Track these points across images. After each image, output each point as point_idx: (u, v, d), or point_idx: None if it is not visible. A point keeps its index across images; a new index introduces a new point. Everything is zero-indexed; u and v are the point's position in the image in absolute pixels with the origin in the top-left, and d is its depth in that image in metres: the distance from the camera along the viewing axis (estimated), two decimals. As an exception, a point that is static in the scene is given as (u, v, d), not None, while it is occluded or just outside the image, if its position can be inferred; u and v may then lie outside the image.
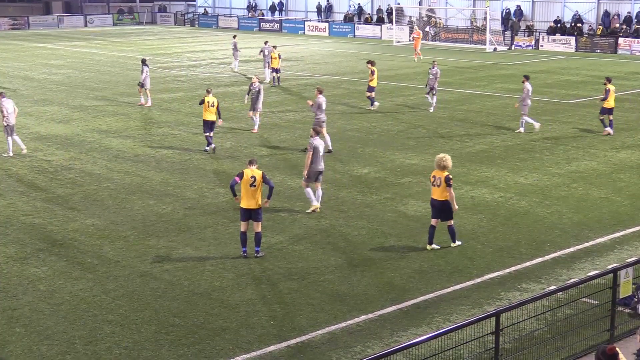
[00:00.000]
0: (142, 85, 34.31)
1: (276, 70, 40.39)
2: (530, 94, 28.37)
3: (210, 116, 25.58)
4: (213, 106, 25.50)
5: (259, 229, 16.29)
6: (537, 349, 12.12)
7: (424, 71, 41.04)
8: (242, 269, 15.72)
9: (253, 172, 16.15)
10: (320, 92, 25.33)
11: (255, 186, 16.06)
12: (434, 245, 16.79)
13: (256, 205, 16.14)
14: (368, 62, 33.43)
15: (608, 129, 28.23)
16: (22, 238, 17.63)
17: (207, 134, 25.65)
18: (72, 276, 15.40)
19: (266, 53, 41.75)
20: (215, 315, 13.68)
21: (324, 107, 25.13)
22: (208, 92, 26.05)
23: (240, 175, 16.16)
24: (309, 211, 19.29)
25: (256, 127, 28.64)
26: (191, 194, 21.05)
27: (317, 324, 13.33)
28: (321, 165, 19.33)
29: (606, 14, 59.18)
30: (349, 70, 46.72)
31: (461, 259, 16.33)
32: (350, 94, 37.86)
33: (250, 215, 16.15)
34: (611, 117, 28.29)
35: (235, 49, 45.98)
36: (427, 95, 33.43)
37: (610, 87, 27.92)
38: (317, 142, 19.29)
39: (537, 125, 28.76)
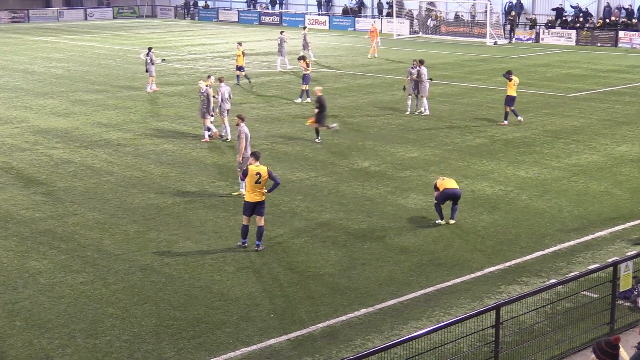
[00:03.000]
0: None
1: (240, 69, 38.19)
2: (426, 78, 30.56)
3: None
4: None
5: (262, 223, 16.26)
6: (537, 342, 12.14)
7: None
8: (242, 263, 15.73)
9: (258, 168, 16.10)
10: (222, 81, 26.54)
11: (260, 182, 16.02)
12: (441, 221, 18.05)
13: (261, 198, 16.13)
14: (300, 59, 34.20)
15: (506, 122, 29.09)
16: (23, 231, 17.64)
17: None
18: (72, 270, 15.41)
19: (279, 42, 43.52)
20: (215, 309, 13.69)
21: (226, 95, 26.21)
22: (208, 77, 27.35)
23: (245, 173, 16.11)
24: (235, 194, 19.98)
25: (207, 136, 26.25)
26: (191, 187, 21.06)
27: (317, 317, 13.35)
28: (250, 152, 19.89)
29: (608, 7, 59.04)
30: (350, 64, 46.68)
31: (461, 252, 16.35)
32: (351, 87, 37.84)
33: (254, 209, 16.12)
34: (513, 108, 28.90)
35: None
36: (410, 97, 31.21)
37: (514, 78, 28.86)
38: (247, 129, 19.93)
39: (427, 112, 30.60)
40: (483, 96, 35.18)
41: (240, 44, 39.57)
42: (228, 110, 26.31)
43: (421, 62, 30.98)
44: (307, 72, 33.54)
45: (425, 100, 30.84)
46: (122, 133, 27.72)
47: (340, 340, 12.58)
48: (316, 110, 25.79)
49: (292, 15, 75.44)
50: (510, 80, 28.62)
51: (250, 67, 44.92)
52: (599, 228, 17.79)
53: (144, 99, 34.49)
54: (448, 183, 18.00)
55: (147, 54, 35.96)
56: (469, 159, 23.94)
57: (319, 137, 26.08)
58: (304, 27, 48.31)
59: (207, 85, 26.02)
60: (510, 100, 28.77)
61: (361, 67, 45.16)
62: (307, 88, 33.38)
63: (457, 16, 65.19)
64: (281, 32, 45.40)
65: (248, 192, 16.14)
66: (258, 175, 15.99)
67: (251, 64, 46.23)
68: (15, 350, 12.34)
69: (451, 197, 17.95)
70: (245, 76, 38.42)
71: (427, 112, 30.63)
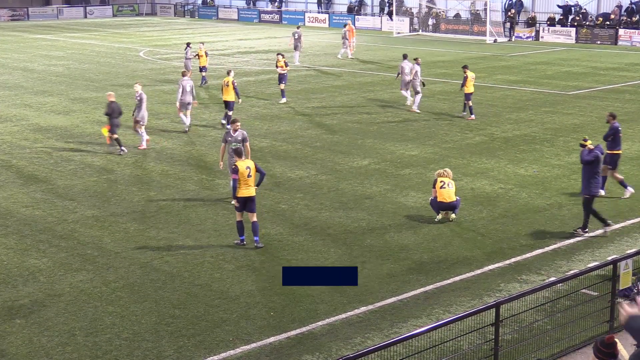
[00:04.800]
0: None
1: (203, 69, 37.15)
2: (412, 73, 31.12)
3: (226, 96, 27.41)
4: (227, 86, 27.29)
5: (255, 219, 16.27)
6: (536, 340, 12.15)
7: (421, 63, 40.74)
8: (242, 261, 15.73)
9: (246, 162, 16.22)
10: (184, 75, 26.94)
11: (251, 176, 16.15)
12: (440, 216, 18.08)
13: (252, 192, 16.18)
14: (279, 55, 34.04)
15: (465, 114, 29.78)
16: (22, 229, 17.64)
17: (226, 111, 27.71)
18: (72, 267, 15.41)
19: (296, 37, 44.93)
20: (215, 307, 13.70)
21: (188, 89, 26.64)
22: (227, 73, 27.88)
23: (236, 171, 16.11)
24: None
25: (144, 143, 24.97)
26: (191, 185, 21.05)
27: (316, 315, 13.35)
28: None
29: (607, 5, 59.00)
30: (349, 62, 46.66)
31: (461, 250, 16.35)
32: (351, 85, 37.82)
33: (245, 205, 16.15)
34: (470, 103, 29.61)
35: (344, 37, 47.86)
36: (409, 91, 31.68)
37: (469, 73, 29.50)
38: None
39: (409, 102, 31.42)
40: (482, 94, 35.10)
41: (202, 43, 39.12)
42: (189, 104, 26.85)
43: (405, 57, 31.53)
44: (285, 71, 33.13)
45: (418, 97, 31.01)
46: (122, 131, 27.64)
47: (339, 338, 12.58)
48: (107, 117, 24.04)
49: (291, 13, 75.40)
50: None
51: (250, 64, 44.96)
52: (599, 226, 17.76)
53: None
54: (445, 194, 17.84)
55: (186, 49, 37.44)
56: (468, 156, 23.93)
57: (122, 148, 24.44)
58: (345, 25, 49.52)
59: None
60: (467, 96, 29.45)
61: (361, 65, 45.14)
62: (283, 87, 33.07)
63: (474, 14, 64.85)
64: (297, 27, 46.99)
65: (241, 188, 16.12)
66: (248, 169, 16.13)
67: (251, 62, 46.25)
68: (15, 348, 12.33)
69: (447, 208, 18.00)
70: (203, 77, 37.36)
71: (409, 103, 31.35)
